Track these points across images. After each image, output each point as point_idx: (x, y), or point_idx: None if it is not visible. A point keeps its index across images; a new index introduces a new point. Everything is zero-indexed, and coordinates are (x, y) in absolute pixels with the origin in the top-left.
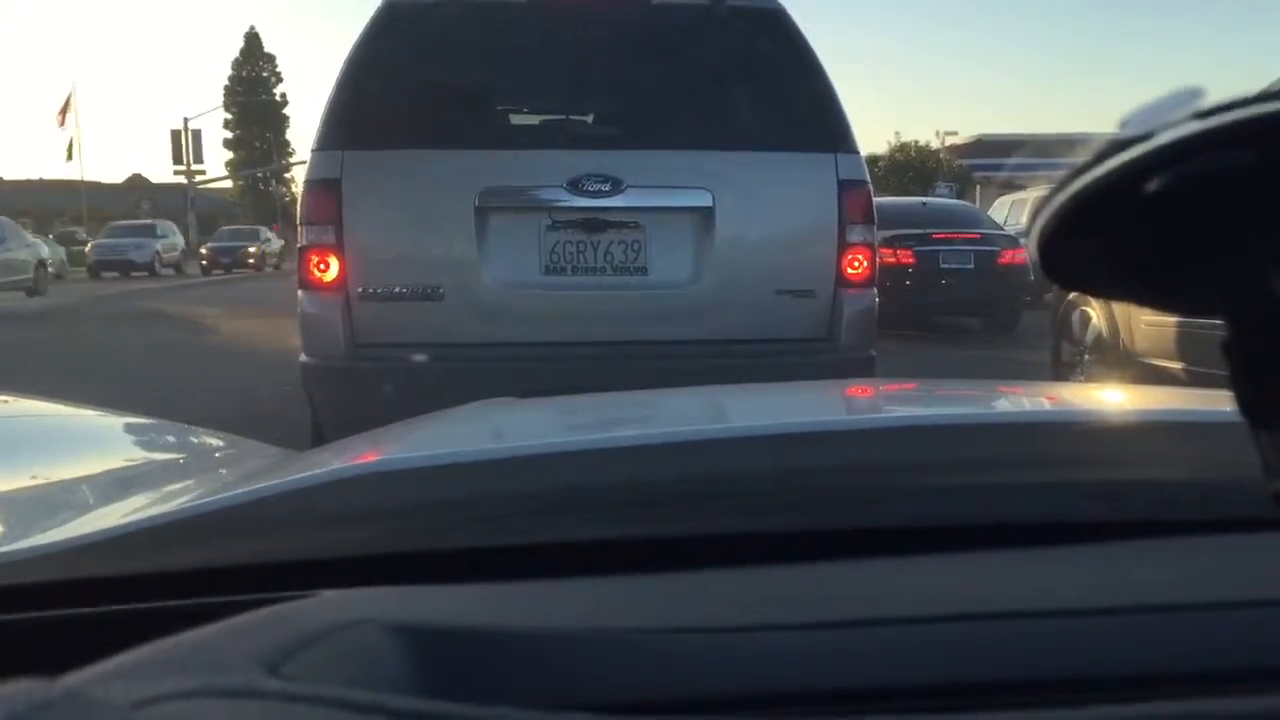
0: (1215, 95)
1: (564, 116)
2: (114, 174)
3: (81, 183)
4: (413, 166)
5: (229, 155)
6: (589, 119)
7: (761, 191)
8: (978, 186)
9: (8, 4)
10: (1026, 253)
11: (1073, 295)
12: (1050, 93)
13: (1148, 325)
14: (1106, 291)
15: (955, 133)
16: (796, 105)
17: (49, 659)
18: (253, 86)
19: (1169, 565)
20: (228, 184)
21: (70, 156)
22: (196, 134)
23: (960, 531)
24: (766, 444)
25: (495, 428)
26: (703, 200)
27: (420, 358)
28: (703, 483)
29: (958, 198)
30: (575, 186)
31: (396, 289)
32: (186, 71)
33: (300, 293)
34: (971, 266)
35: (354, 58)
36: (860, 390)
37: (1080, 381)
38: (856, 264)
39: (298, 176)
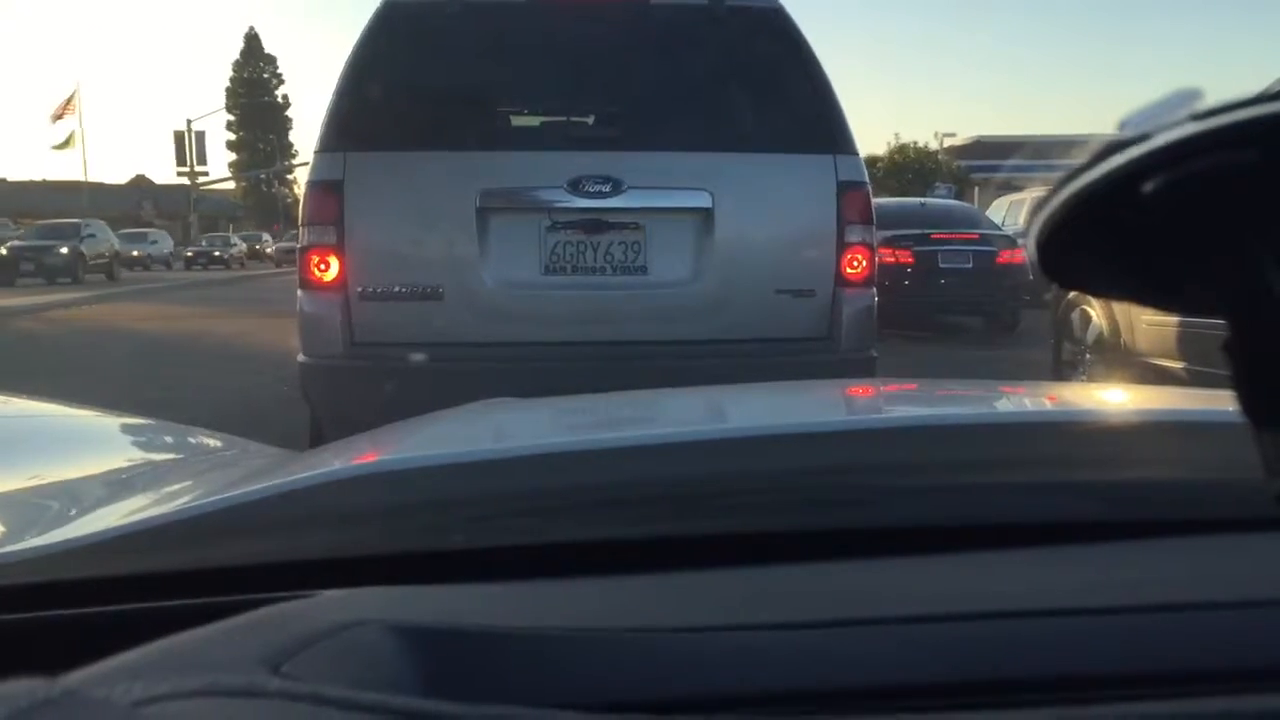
0: (1214, 96)
1: (564, 118)
2: (117, 175)
3: (84, 183)
4: (414, 168)
5: (232, 157)
6: (589, 120)
7: (761, 192)
8: (976, 187)
9: (11, 6)
10: (1025, 253)
11: (1073, 294)
12: (1049, 94)
13: (1148, 325)
14: (1106, 291)
15: (954, 134)
16: (796, 106)
17: (49, 659)
18: (254, 88)
19: (1169, 565)
20: (230, 185)
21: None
22: (199, 135)
23: (959, 531)
24: (766, 444)
25: (494, 428)
26: (702, 201)
27: (419, 357)
28: (702, 483)
29: (956, 198)
30: (575, 187)
31: (397, 289)
32: (190, 73)
33: (300, 292)
34: (970, 266)
35: (354, 59)
36: (860, 390)
37: (1081, 381)
38: (856, 264)
39: (301, 178)
